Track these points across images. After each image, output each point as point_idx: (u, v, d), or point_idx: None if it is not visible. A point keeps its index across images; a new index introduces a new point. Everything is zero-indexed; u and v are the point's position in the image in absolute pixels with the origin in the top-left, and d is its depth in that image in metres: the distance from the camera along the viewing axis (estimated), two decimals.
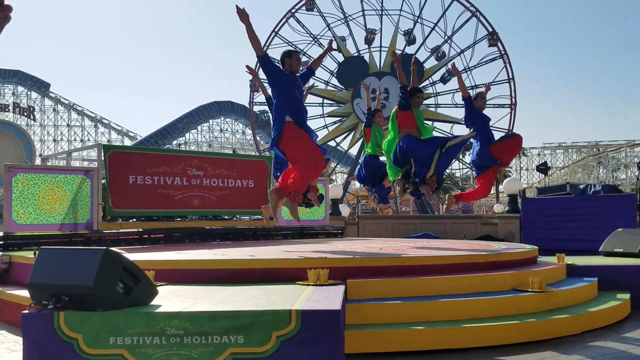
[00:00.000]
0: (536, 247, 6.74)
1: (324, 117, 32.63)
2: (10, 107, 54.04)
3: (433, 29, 33.17)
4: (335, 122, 33.13)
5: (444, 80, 33.04)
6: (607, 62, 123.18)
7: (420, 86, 33.72)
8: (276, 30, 32.56)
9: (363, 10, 33.29)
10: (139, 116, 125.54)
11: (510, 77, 32.12)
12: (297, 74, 5.99)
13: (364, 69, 32.87)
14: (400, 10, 33.19)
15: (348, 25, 33.45)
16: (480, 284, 4.90)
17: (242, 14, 5.52)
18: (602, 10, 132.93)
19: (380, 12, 33.27)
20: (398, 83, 6.98)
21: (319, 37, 33.13)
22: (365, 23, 33.39)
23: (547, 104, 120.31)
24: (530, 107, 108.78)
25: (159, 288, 3.82)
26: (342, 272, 4.73)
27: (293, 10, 32.77)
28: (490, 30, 32.33)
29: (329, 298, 3.70)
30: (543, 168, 16.26)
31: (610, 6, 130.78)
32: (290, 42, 32.86)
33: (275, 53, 33.29)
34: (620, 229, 7.96)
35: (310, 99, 33.22)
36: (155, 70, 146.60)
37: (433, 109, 33.30)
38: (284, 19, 32.66)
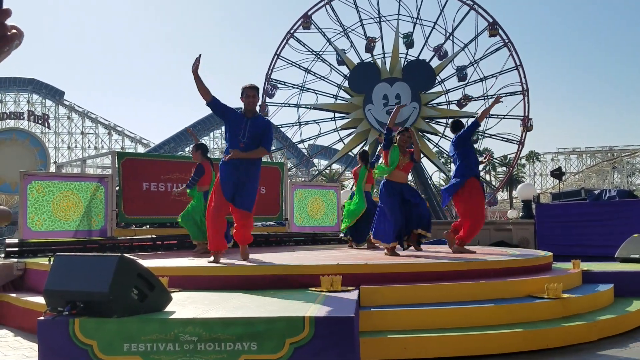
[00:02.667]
0: (551, 254, 6.67)
1: (337, 130, 32.92)
2: (25, 115, 54.69)
3: (433, 28, 33.42)
4: (350, 134, 33.31)
5: (460, 78, 33.09)
6: (621, 66, 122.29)
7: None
8: (278, 52, 33.06)
9: (361, 20, 33.68)
10: (153, 123, 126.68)
11: (518, 63, 32.21)
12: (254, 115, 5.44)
13: (376, 74, 32.92)
14: (398, 14, 33.54)
15: (348, 37, 33.74)
16: (495, 291, 4.86)
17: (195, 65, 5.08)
18: (616, 13, 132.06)
19: (378, 19, 33.52)
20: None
21: (320, 53, 33.45)
22: (364, 32, 33.67)
23: (561, 108, 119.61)
24: (543, 112, 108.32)
25: (172, 294, 3.83)
26: (355, 278, 4.72)
27: (292, 31, 33.17)
28: (491, 20, 32.44)
29: (343, 305, 3.69)
30: (557, 173, 16.14)
31: (624, 9, 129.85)
32: (293, 62, 33.27)
33: (280, 75, 33.81)
34: (636, 235, 7.87)
35: (322, 114, 33.53)
36: (168, 77, 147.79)
37: (445, 107, 33.33)
38: (284, 41, 33.18)
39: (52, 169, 44.44)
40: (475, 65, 33.05)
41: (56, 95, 57.88)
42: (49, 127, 56.30)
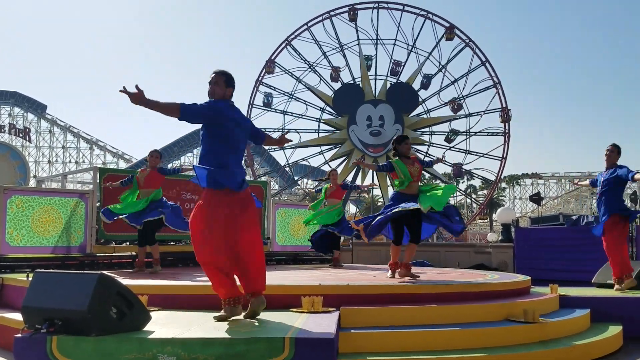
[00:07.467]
0: (529, 278, 6.75)
1: (327, 163, 33.39)
2: (6, 128, 54.07)
3: (394, 45, 34.22)
4: (340, 163, 33.71)
5: (423, 85, 33.89)
6: (600, 92, 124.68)
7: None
8: (251, 102, 33.60)
9: (324, 54, 34.39)
10: (135, 139, 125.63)
11: (484, 59, 33.19)
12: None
13: (360, 96, 33.44)
14: (358, 39, 34.31)
15: (315, 71, 34.31)
16: (473, 314, 4.90)
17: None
18: (594, 39, 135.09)
19: (340, 48, 34.34)
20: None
21: (293, 93, 33.98)
22: (330, 63, 34.32)
23: (540, 133, 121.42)
24: (523, 137, 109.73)
25: (152, 313, 3.82)
26: (335, 299, 4.73)
27: (260, 79, 33.77)
28: (447, 25, 33.31)
29: (323, 325, 3.70)
30: (536, 198, 16.39)
31: (602, 36, 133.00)
32: (268, 109, 33.76)
33: (259, 123, 34.21)
34: None
35: (308, 149, 33.91)
36: (151, 92, 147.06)
37: (425, 116, 33.99)
38: (255, 89, 33.84)
39: (32, 183, 43.91)
40: (443, 70, 33.88)
41: (38, 108, 57.35)
42: (30, 141, 55.66)
